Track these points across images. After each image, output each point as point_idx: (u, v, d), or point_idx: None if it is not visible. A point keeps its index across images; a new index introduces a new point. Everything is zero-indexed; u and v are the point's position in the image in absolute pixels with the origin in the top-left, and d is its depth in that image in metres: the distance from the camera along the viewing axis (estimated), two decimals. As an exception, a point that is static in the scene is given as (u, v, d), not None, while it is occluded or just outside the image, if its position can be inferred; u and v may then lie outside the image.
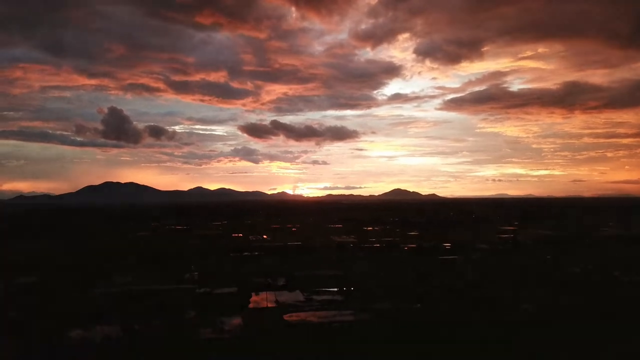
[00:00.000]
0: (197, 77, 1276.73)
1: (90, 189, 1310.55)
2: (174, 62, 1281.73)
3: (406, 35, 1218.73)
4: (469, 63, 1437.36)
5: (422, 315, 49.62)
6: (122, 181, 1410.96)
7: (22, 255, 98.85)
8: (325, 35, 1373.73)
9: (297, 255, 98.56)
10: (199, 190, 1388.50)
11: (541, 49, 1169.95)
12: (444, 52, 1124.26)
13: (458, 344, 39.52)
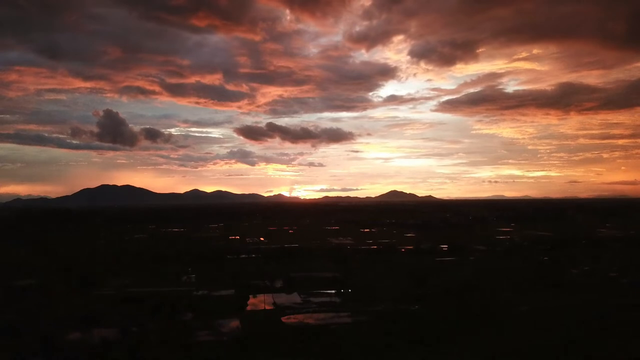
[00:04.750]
0: (193, 79, 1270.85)
1: (87, 191, 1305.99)
2: (169, 64, 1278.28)
3: (401, 37, 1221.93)
4: (464, 65, 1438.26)
5: (419, 316, 49.74)
6: (119, 184, 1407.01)
7: (20, 258, 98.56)
8: (320, 38, 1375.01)
9: (295, 257, 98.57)
10: (196, 193, 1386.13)
11: (536, 50, 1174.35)
12: (439, 53, 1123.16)
13: (456, 344, 39.66)
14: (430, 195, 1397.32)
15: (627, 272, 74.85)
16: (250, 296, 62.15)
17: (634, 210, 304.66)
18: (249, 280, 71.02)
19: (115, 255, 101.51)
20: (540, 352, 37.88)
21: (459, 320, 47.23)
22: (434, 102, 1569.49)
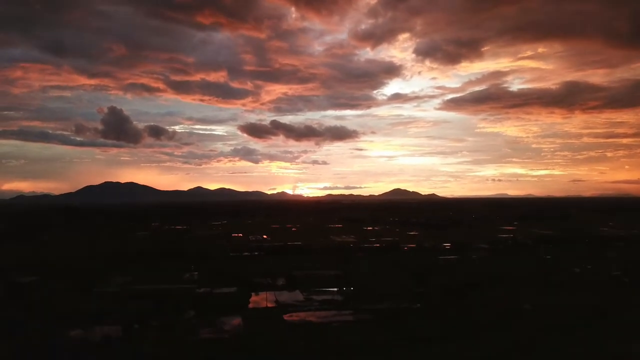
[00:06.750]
0: (197, 77, 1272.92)
1: (90, 188, 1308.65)
2: (174, 62, 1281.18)
3: (406, 35, 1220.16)
4: (468, 63, 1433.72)
5: (422, 314, 49.73)
6: (122, 181, 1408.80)
7: (22, 255, 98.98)
8: (325, 36, 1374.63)
9: (297, 255, 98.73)
10: (199, 190, 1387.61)
11: (541, 49, 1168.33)
12: (444, 52, 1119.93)
13: (458, 343, 39.64)
14: (433, 194, 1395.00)
15: (630, 270, 74.60)
16: (253, 294, 62.26)
17: (638, 209, 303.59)
18: (251, 278, 71.13)
19: (118, 253, 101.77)
20: (543, 350, 37.84)
21: (461, 318, 47.20)
22: (438, 101, 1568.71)
